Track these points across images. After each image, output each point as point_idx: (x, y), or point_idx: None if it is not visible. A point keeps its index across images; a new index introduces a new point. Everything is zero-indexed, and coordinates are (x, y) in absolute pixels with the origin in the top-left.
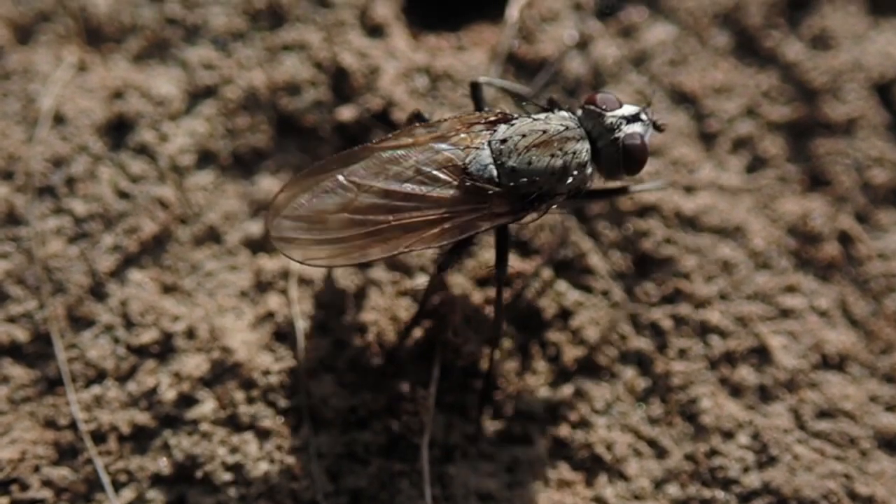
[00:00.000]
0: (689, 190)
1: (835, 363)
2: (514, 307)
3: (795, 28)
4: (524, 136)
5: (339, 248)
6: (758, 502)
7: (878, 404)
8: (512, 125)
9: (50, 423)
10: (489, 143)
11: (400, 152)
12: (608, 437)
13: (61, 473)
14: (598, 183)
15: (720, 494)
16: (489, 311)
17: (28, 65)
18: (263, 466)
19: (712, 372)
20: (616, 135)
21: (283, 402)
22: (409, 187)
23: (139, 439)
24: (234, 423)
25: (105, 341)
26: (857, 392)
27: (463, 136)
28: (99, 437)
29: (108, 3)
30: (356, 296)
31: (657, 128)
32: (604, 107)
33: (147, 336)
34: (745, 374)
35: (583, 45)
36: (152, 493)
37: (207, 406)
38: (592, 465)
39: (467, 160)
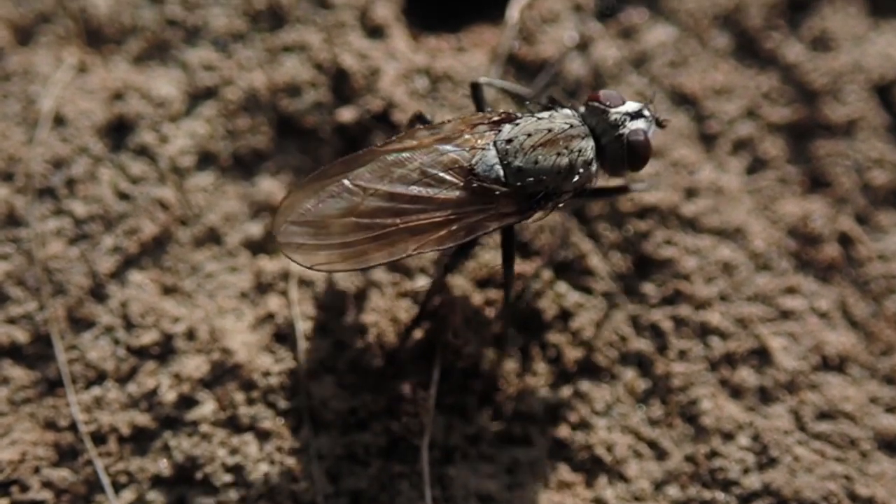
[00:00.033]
0: (689, 191)
1: (835, 364)
2: (515, 309)
3: (796, 29)
4: (529, 135)
5: (346, 253)
6: None
7: (878, 406)
8: (517, 125)
9: (50, 425)
10: (495, 143)
11: (405, 155)
12: (608, 438)
13: (61, 475)
14: (601, 180)
15: (720, 496)
16: (489, 312)
17: (28, 66)
18: (263, 468)
19: (712, 373)
20: (620, 131)
21: (283, 404)
22: (415, 190)
23: (139, 440)
24: (234, 425)
25: (105, 342)
26: (858, 393)
27: (467, 136)
28: (99, 438)
29: (108, 4)
30: (356, 297)
31: (660, 124)
32: (607, 103)
33: (147, 337)
34: (746, 375)
35: (583, 46)
36: (152, 495)
37: (207, 407)
38: (592, 467)
39: (473, 161)
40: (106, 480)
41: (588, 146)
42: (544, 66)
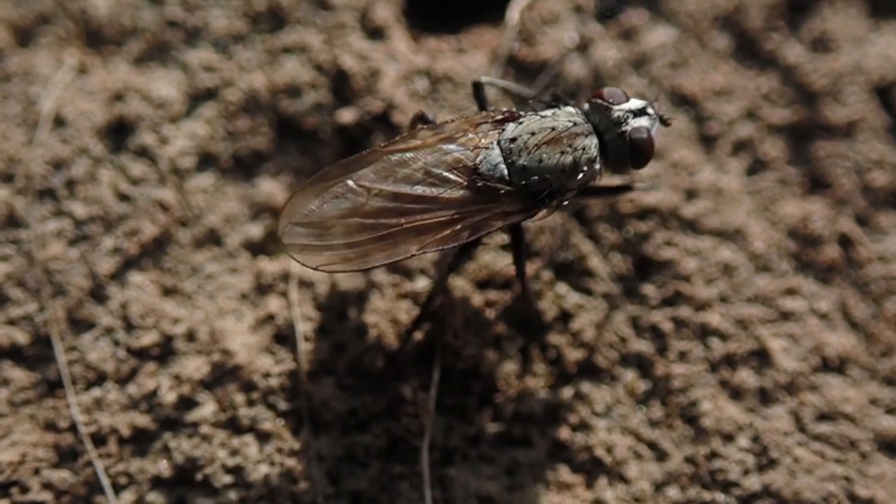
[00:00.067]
0: (689, 192)
1: (835, 366)
2: (514, 310)
3: (796, 31)
4: (533, 133)
5: (350, 253)
6: None
7: (878, 407)
8: (520, 123)
9: (50, 426)
10: (498, 142)
11: (408, 155)
12: (608, 439)
13: (61, 476)
14: (605, 178)
15: (720, 497)
16: (489, 313)
17: (28, 67)
18: (263, 469)
19: (712, 374)
20: (623, 128)
21: (283, 405)
22: (419, 189)
23: (139, 442)
24: (234, 426)
25: (105, 344)
26: (858, 395)
27: (471, 136)
28: (99, 439)
29: (108, 5)
30: (356, 298)
31: (664, 122)
32: (611, 100)
33: (147, 338)
34: (746, 376)
35: (583, 47)
36: (152, 496)
37: (207, 408)
38: (592, 468)
39: (477, 160)
40: (106, 482)
41: (592, 144)
42: (544, 67)
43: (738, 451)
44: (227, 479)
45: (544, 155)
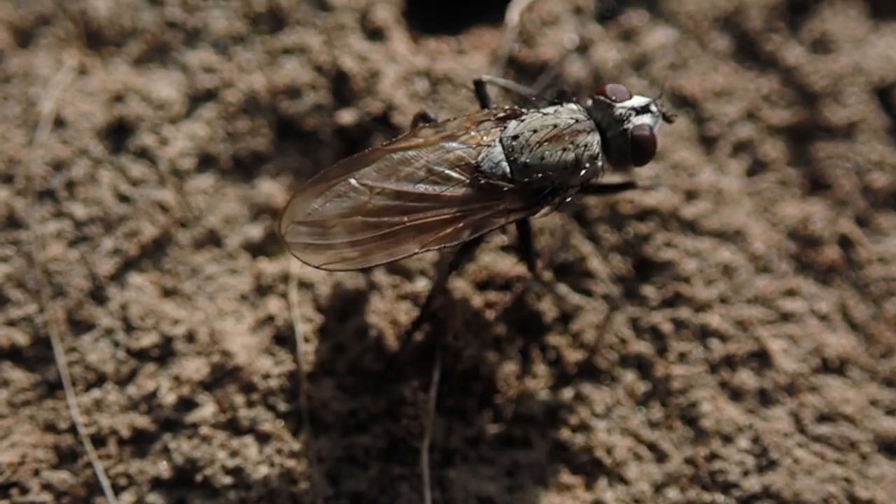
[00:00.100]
0: (689, 193)
1: (835, 367)
2: (514, 311)
3: (796, 32)
4: (535, 131)
5: (353, 252)
6: None
7: (878, 408)
8: (522, 121)
9: (50, 427)
10: (500, 139)
11: (411, 153)
12: (608, 440)
13: (61, 477)
14: (606, 176)
15: (720, 498)
16: (489, 314)
17: (28, 68)
18: (263, 470)
19: (712, 376)
20: (625, 125)
21: (283, 406)
22: (421, 188)
23: (139, 443)
24: (233, 427)
25: (105, 345)
26: (858, 396)
27: (473, 134)
28: (99, 440)
29: (108, 6)
30: (356, 299)
31: (667, 119)
32: (613, 97)
33: (147, 340)
34: (746, 377)
35: (583, 48)
36: (152, 497)
37: (207, 410)
38: (592, 469)
39: (479, 158)
40: (106, 483)
41: (594, 141)
42: (544, 68)
43: (737, 453)
44: (227, 480)
45: (546, 152)
